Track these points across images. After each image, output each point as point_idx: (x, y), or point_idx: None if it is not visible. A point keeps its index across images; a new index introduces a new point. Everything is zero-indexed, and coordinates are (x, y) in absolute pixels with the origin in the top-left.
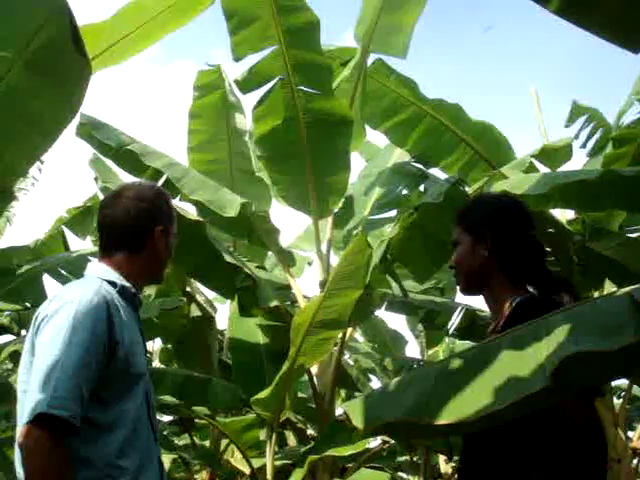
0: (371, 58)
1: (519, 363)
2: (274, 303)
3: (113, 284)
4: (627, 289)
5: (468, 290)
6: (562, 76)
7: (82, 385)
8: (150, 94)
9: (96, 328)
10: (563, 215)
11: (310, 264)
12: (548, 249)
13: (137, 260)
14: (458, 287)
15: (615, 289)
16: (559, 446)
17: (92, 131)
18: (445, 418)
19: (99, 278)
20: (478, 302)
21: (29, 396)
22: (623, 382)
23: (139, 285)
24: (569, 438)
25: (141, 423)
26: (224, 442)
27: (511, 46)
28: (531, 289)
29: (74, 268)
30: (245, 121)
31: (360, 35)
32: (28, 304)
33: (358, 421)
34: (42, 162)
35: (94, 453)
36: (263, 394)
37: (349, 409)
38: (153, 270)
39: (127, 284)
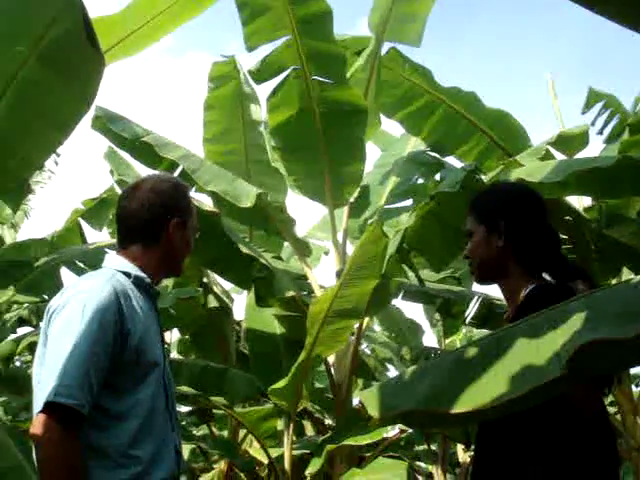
0: (385, 47)
1: (535, 351)
2: (290, 293)
3: (127, 275)
4: None
5: (483, 280)
6: (578, 64)
7: (90, 373)
8: (164, 85)
9: (104, 318)
10: (580, 202)
11: (327, 254)
12: (565, 236)
13: (153, 252)
14: (474, 276)
15: (633, 276)
16: (569, 436)
17: (107, 123)
18: (460, 407)
19: (114, 269)
20: (495, 291)
21: (40, 387)
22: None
23: (156, 277)
24: (578, 428)
25: (156, 412)
26: (242, 432)
27: (527, 34)
28: (547, 277)
29: (91, 260)
30: (260, 112)
31: (374, 24)
32: (46, 296)
33: (374, 410)
34: (58, 155)
35: (107, 442)
36: (280, 384)
37: (364, 398)
38: (169, 263)
39: (142, 274)
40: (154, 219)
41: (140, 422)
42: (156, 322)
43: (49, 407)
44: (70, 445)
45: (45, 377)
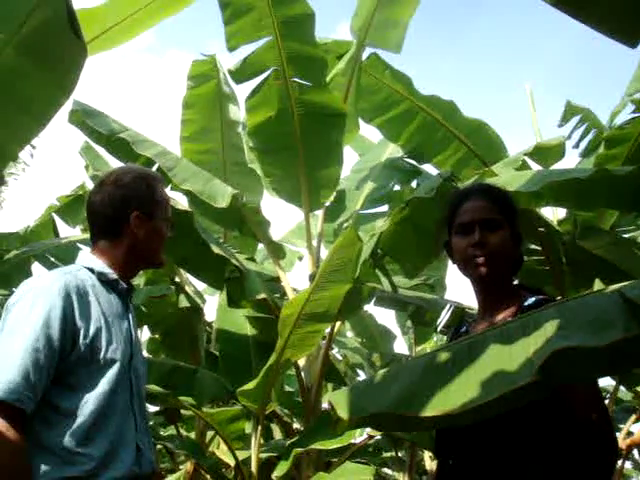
0: (366, 52)
1: (507, 357)
2: (262, 295)
3: (92, 270)
4: (617, 286)
5: (492, 277)
6: (557, 76)
7: (31, 369)
8: (144, 83)
9: (50, 314)
10: (555, 214)
11: (300, 259)
12: (537, 248)
13: (118, 247)
14: (480, 269)
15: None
16: (566, 442)
17: (84, 118)
18: (431, 411)
19: (80, 265)
20: (467, 299)
21: None
22: (609, 383)
23: (127, 272)
24: (580, 435)
25: (114, 410)
26: (210, 434)
27: (507, 45)
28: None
29: (62, 255)
30: (239, 112)
31: (356, 29)
32: (16, 290)
33: (343, 412)
34: (34, 147)
35: (55, 439)
36: (249, 386)
37: (334, 399)
38: (139, 256)
39: (107, 270)
40: (115, 213)
41: (92, 420)
42: (126, 318)
43: None
44: (11, 441)
45: None
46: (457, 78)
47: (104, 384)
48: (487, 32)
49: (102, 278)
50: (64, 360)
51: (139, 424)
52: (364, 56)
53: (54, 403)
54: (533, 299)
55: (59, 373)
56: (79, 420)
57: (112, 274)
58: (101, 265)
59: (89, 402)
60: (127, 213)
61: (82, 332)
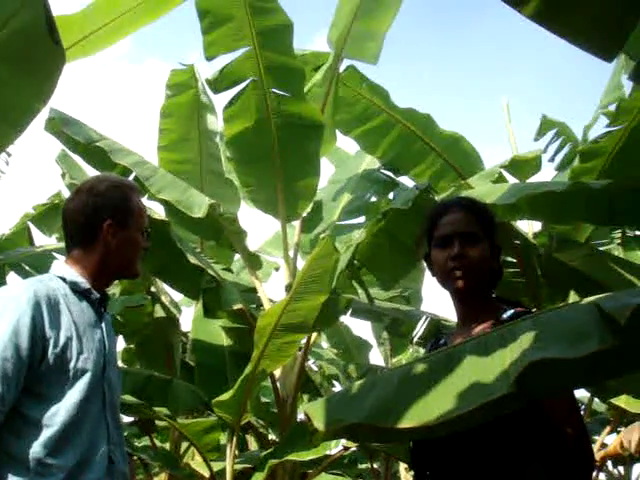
0: (344, 63)
1: (483, 368)
2: (237, 306)
3: (64, 279)
4: (593, 298)
5: (470, 289)
6: (533, 90)
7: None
8: (122, 91)
9: (19, 323)
10: (530, 227)
11: (277, 269)
12: (513, 260)
13: (91, 256)
14: (458, 282)
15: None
16: (543, 454)
17: (61, 126)
18: (407, 422)
19: (53, 274)
20: (443, 311)
21: None
22: (584, 395)
23: (100, 281)
24: (556, 447)
25: (85, 420)
26: (184, 444)
27: (484, 59)
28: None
29: (37, 264)
30: (217, 122)
31: (333, 40)
32: None
33: (319, 422)
34: (9, 155)
35: (24, 449)
36: (225, 397)
37: (310, 410)
38: (112, 265)
39: (78, 279)
40: (88, 221)
41: (63, 430)
42: (99, 328)
43: None
44: None
45: None
46: (435, 88)
47: (75, 394)
48: (466, 43)
49: (74, 287)
50: (34, 370)
51: (112, 435)
52: (341, 67)
53: (24, 413)
54: (511, 312)
55: (29, 383)
56: (49, 430)
57: (84, 283)
58: (74, 274)
59: (59, 412)
60: (100, 222)
61: (52, 341)
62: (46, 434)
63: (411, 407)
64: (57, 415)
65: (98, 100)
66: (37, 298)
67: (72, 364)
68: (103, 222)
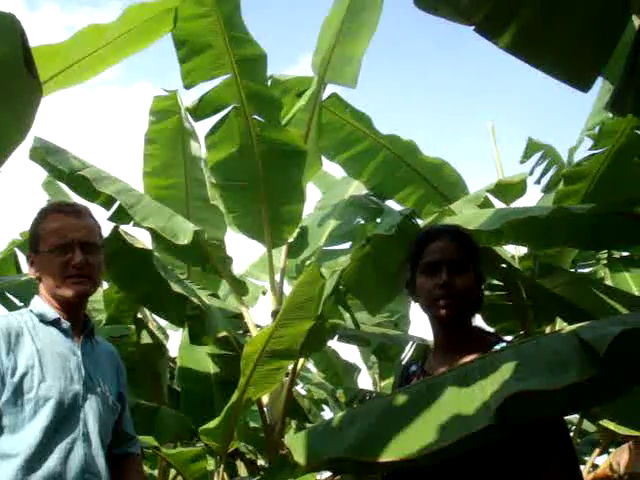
0: (327, 88)
1: (464, 400)
2: (222, 333)
3: (31, 311)
4: (574, 326)
5: (454, 320)
6: (519, 113)
7: None
8: (111, 115)
9: None
10: (517, 251)
11: (264, 293)
12: (500, 283)
13: (42, 286)
14: (444, 310)
15: (565, 325)
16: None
17: (45, 155)
18: (387, 456)
19: (27, 308)
20: (430, 335)
21: None
22: (574, 417)
23: (64, 309)
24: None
25: (51, 449)
26: (173, 472)
27: (469, 81)
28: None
29: (21, 293)
30: (200, 148)
31: (316, 65)
32: None
33: (300, 456)
34: None
35: None
36: (212, 424)
37: (292, 444)
38: (54, 292)
39: (46, 310)
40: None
41: (26, 460)
42: (76, 355)
43: None
44: None
45: None
46: (421, 111)
47: (38, 423)
48: (452, 66)
49: (42, 319)
50: None
51: (89, 465)
52: (324, 92)
53: None
54: (502, 344)
55: None
56: (14, 461)
57: (52, 314)
58: (42, 306)
59: (22, 442)
60: (30, 252)
61: (9, 371)
62: (11, 465)
63: (392, 440)
64: (20, 445)
65: (88, 124)
66: None
67: (34, 392)
68: (28, 256)
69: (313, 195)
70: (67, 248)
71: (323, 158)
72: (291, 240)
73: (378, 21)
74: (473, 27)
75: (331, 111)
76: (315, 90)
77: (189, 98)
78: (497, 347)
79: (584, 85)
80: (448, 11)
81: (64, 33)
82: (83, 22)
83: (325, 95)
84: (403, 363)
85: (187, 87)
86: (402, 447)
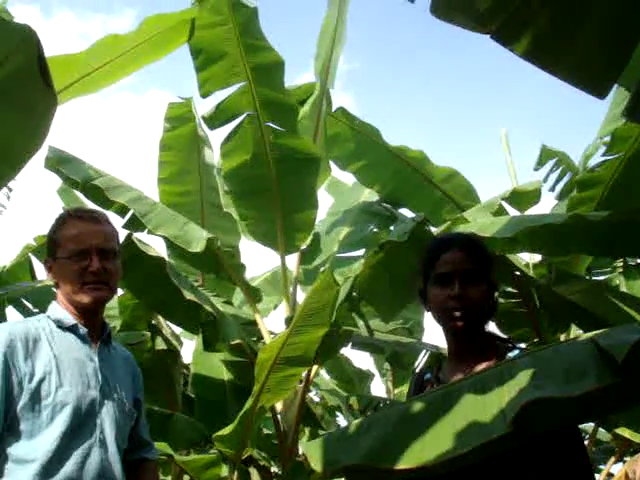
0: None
1: (481, 408)
2: (236, 340)
3: (48, 317)
4: (591, 334)
5: (467, 330)
6: (533, 119)
7: None
8: (125, 122)
9: None
10: (531, 258)
11: (276, 307)
12: (514, 291)
13: (60, 292)
14: (457, 322)
15: (580, 332)
16: None
17: (58, 165)
18: (405, 463)
19: (44, 314)
20: (444, 342)
21: None
22: (589, 425)
23: (81, 315)
24: None
25: (68, 455)
26: (186, 477)
27: (482, 89)
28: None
29: (37, 299)
30: (214, 156)
31: (319, 70)
32: None
33: (316, 463)
34: (10, 190)
35: None
36: (225, 431)
37: (308, 451)
38: (70, 298)
39: (63, 316)
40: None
41: (43, 466)
42: (93, 361)
43: None
44: None
45: None
46: (434, 118)
47: (55, 429)
48: (463, 73)
49: (59, 325)
50: (14, 407)
51: (106, 471)
52: (325, 96)
53: (8, 452)
54: (516, 352)
55: (10, 421)
56: (31, 467)
57: (70, 319)
58: (60, 312)
59: (39, 448)
60: (45, 262)
61: (27, 377)
62: (28, 472)
63: (408, 448)
64: (37, 451)
65: (102, 131)
66: (11, 337)
67: (51, 398)
68: (46, 261)
69: (324, 202)
70: (85, 254)
71: (335, 167)
72: (304, 247)
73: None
74: (489, 35)
75: (341, 121)
76: (319, 96)
77: (205, 106)
78: (512, 354)
79: (601, 91)
80: (464, 19)
81: (78, 40)
82: (97, 29)
83: (327, 99)
84: (417, 371)
85: (203, 96)
86: (419, 455)
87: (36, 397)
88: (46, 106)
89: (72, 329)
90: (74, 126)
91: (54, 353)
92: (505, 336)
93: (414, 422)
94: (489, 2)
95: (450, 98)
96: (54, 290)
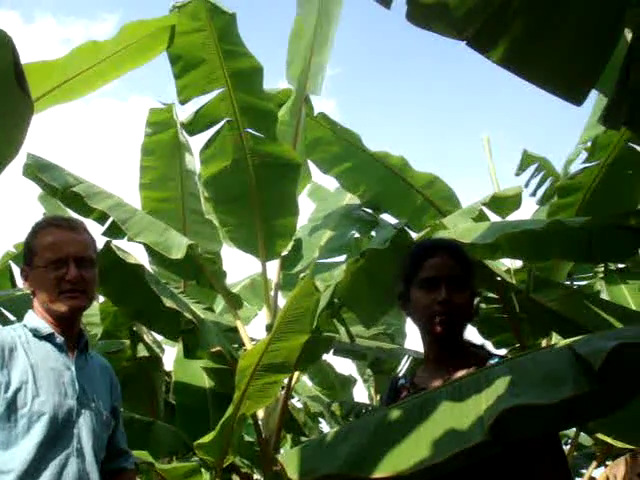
0: (304, 99)
1: (458, 415)
2: (217, 347)
3: (24, 326)
4: (569, 341)
5: (449, 336)
6: (515, 124)
7: None
8: (107, 128)
9: None
10: (512, 264)
11: (257, 314)
12: (495, 296)
13: (36, 301)
14: (440, 327)
15: (560, 338)
16: None
17: (37, 172)
18: (381, 472)
19: (21, 323)
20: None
21: None
22: (571, 430)
23: (57, 324)
24: None
25: (45, 466)
26: None
27: (464, 95)
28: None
29: (15, 308)
30: (194, 162)
31: (295, 76)
32: None
33: (293, 473)
34: None
35: None
36: (207, 439)
37: (285, 460)
38: (47, 307)
39: (40, 325)
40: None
41: (18, 476)
42: (70, 370)
43: None
44: None
45: None
46: (415, 125)
47: (31, 438)
48: (446, 79)
49: (35, 334)
50: None
51: (86, 476)
52: (304, 102)
53: None
54: (496, 359)
55: None
56: (7, 478)
57: (46, 328)
58: (36, 321)
59: (15, 458)
60: (21, 270)
61: (3, 387)
62: None
63: (385, 456)
64: (13, 461)
65: (83, 138)
66: None
67: (27, 408)
68: (22, 270)
69: (306, 207)
70: (61, 263)
71: (317, 171)
72: (285, 253)
73: (336, 29)
74: (465, 42)
75: (322, 126)
76: (296, 101)
77: (187, 112)
78: (492, 362)
79: (577, 99)
80: (440, 26)
81: (60, 46)
82: (79, 35)
83: (308, 104)
84: (391, 375)
85: (182, 103)
86: (395, 463)
87: (12, 407)
88: (22, 113)
89: (48, 338)
90: (57, 132)
91: (30, 362)
92: (479, 343)
93: (391, 430)
94: (464, 9)
95: (433, 104)
96: (32, 299)
